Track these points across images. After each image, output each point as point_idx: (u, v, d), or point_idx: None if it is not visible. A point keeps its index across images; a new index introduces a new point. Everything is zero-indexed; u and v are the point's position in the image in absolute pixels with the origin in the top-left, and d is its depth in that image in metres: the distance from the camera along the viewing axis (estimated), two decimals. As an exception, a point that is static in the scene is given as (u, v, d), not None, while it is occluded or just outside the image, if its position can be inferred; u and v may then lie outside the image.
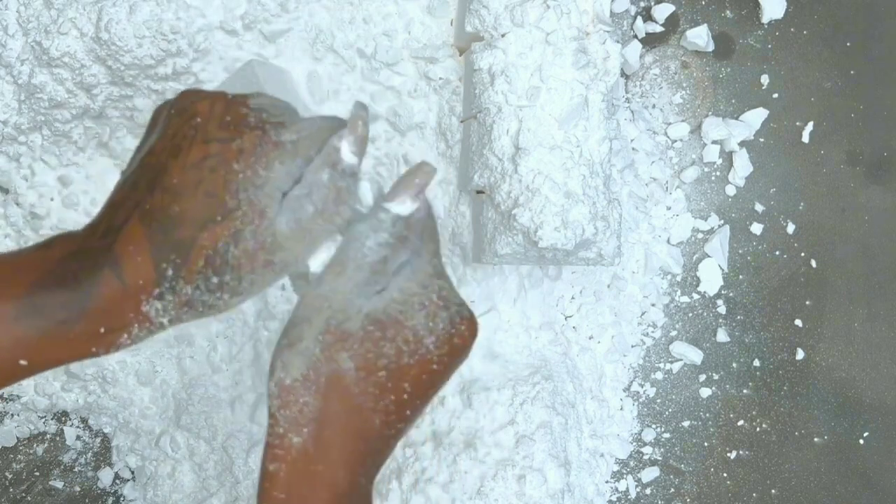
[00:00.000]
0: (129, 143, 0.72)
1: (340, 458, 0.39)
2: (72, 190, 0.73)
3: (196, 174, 0.40)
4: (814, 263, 0.79)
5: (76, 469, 0.79)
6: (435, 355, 0.41)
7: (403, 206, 0.42)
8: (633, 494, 0.79)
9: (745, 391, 0.79)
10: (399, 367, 0.40)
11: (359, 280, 0.41)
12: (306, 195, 0.42)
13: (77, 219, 0.73)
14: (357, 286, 0.41)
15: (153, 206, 0.40)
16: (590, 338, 0.78)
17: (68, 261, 0.40)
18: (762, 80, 0.79)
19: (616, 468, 0.79)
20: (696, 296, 0.80)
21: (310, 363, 0.39)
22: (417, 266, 0.42)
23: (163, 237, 0.40)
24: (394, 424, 0.40)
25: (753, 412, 0.79)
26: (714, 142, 0.79)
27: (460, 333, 0.42)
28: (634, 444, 0.79)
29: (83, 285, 0.40)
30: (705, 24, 0.78)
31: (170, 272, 0.40)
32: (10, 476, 0.78)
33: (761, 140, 0.79)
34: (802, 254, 0.79)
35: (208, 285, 0.40)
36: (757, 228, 0.79)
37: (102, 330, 0.39)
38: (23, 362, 0.39)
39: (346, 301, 0.40)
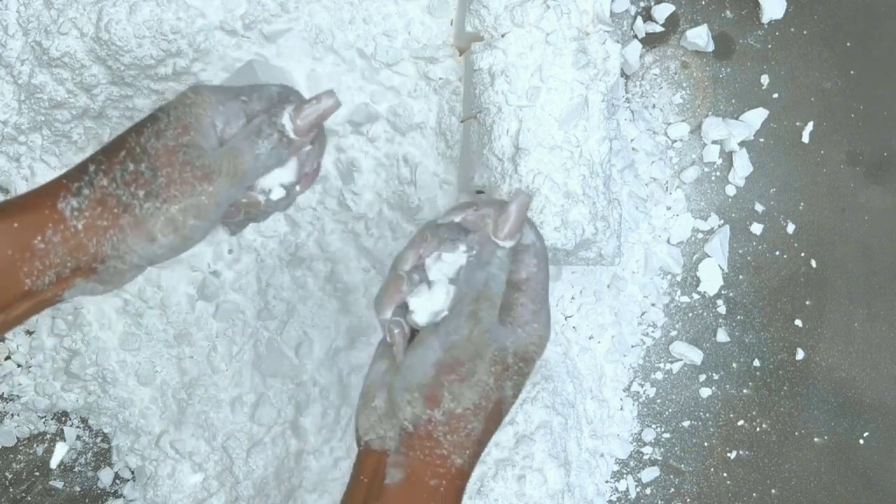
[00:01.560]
0: (129, 143, 0.72)
1: (466, 464, 0.44)
2: (72, 190, 0.73)
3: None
4: (814, 263, 0.79)
5: (76, 469, 0.79)
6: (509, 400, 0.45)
7: (508, 241, 0.45)
8: (633, 494, 0.79)
9: (745, 391, 0.79)
10: (517, 396, 0.45)
11: (497, 307, 0.44)
12: (240, 132, 0.46)
13: (77, 219, 0.73)
14: (494, 317, 0.44)
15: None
16: (590, 338, 0.78)
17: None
18: (762, 80, 0.79)
19: (616, 468, 0.79)
20: (696, 296, 0.80)
21: (482, 393, 0.42)
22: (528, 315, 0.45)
23: (93, 155, 0.43)
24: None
25: (753, 412, 0.79)
26: (714, 142, 0.79)
27: (525, 373, 0.46)
28: (634, 444, 0.79)
29: (12, 198, 0.42)
30: (705, 24, 0.78)
31: (92, 168, 0.42)
32: (10, 476, 0.78)
33: (761, 140, 0.79)
34: (802, 254, 0.79)
35: (124, 176, 0.42)
36: (757, 228, 0.79)
37: (16, 224, 0.40)
38: None
39: (498, 333, 0.43)
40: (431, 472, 0.43)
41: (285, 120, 0.46)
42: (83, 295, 0.45)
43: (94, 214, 0.41)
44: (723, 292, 0.79)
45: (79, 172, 0.42)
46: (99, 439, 0.79)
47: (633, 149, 0.78)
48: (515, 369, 0.44)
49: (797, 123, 0.79)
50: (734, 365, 0.79)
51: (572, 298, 0.77)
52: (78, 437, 0.78)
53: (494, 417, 0.44)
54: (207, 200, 0.43)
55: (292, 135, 0.47)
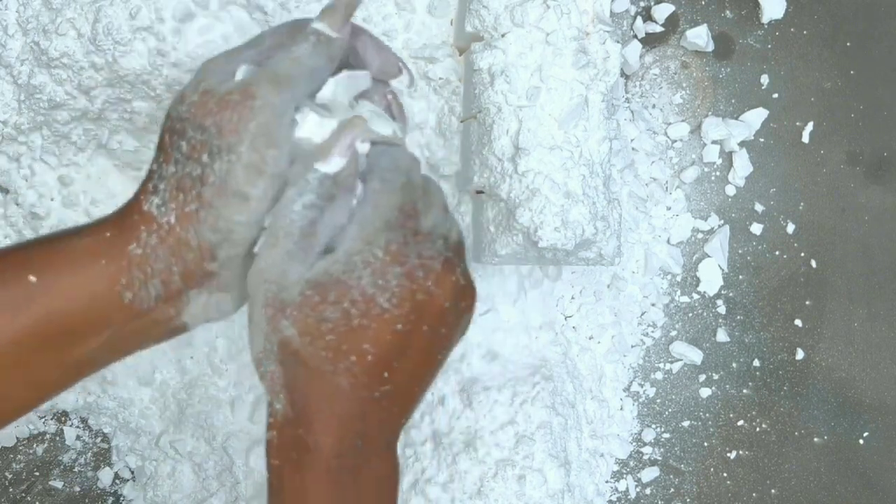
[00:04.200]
0: (128, 145, 0.72)
1: (317, 421, 0.39)
2: (72, 190, 0.73)
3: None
4: (814, 263, 0.79)
5: (76, 469, 0.79)
6: (395, 314, 0.39)
7: (329, 165, 0.39)
8: (633, 494, 0.79)
9: (745, 391, 0.79)
10: (351, 329, 0.38)
11: (289, 248, 0.39)
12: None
13: (77, 219, 0.73)
14: (288, 254, 0.39)
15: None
16: (590, 338, 0.78)
17: None
18: (762, 80, 0.79)
19: (616, 468, 0.79)
20: (696, 296, 0.80)
21: (263, 336, 0.39)
22: (363, 222, 0.40)
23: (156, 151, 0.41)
24: (370, 386, 0.39)
25: (753, 412, 0.79)
26: (714, 142, 0.79)
27: (424, 289, 0.39)
28: (634, 444, 0.79)
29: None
30: (705, 24, 0.78)
31: (154, 166, 0.40)
32: (10, 476, 0.78)
33: (761, 140, 0.79)
34: (802, 254, 0.79)
35: (182, 152, 0.39)
36: (757, 228, 0.79)
37: (108, 234, 0.38)
38: (32, 278, 0.37)
39: (280, 272, 0.38)
40: (267, 424, 0.40)
41: (316, 24, 0.42)
42: (208, 317, 0.41)
43: (178, 203, 0.38)
44: (723, 292, 0.79)
45: (147, 177, 0.40)
46: (99, 439, 0.79)
47: (633, 149, 0.78)
48: (297, 305, 0.38)
49: (797, 123, 0.79)
50: (734, 365, 0.79)
51: (572, 298, 0.77)
52: (78, 437, 0.78)
53: (292, 364, 0.39)
54: (263, 117, 0.38)
55: (330, 31, 0.42)
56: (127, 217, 0.39)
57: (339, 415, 0.39)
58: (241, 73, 0.41)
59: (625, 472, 0.79)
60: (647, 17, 0.79)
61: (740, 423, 0.79)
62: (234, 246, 0.39)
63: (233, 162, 0.38)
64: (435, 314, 0.40)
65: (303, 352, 0.38)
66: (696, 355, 0.79)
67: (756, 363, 0.79)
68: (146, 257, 0.38)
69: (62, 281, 0.38)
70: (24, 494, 0.78)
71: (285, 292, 0.38)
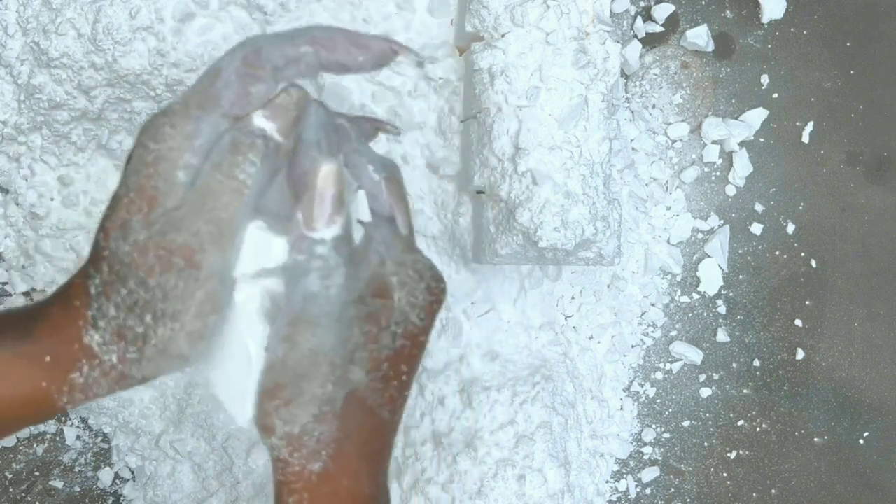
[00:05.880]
0: (128, 145, 0.72)
1: (362, 465, 0.39)
2: (72, 190, 0.73)
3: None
4: (814, 263, 0.79)
5: (76, 469, 0.79)
6: (419, 327, 0.39)
7: (328, 231, 0.37)
8: (633, 494, 0.79)
9: (745, 391, 0.79)
10: (396, 353, 0.39)
11: (331, 327, 0.37)
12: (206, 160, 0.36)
13: (77, 219, 0.73)
14: (335, 332, 0.37)
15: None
16: (590, 338, 0.78)
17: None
18: (762, 80, 0.79)
19: (616, 468, 0.79)
20: (696, 296, 0.80)
21: (321, 402, 0.37)
22: (388, 250, 0.39)
23: (91, 249, 0.37)
24: (398, 409, 0.40)
25: (753, 412, 0.79)
26: (714, 142, 0.79)
27: (438, 298, 0.40)
28: (634, 444, 0.79)
29: (38, 310, 0.38)
30: (705, 24, 0.78)
31: (92, 290, 0.36)
32: (10, 476, 0.78)
33: (761, 140, 0.79)
34: (802, 254, 0.79)
35: (123, 300, 0.36)
36: (757, 228, 0.79)
37: (48, 358, 0.37)
38: None
39: (334, 346, 0.37)
40: (288, 489, 0.38)
41: (259, 122, 0.36)
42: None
43: (120, 349, 0.36)
44: (723, 292, 0.79)
45: (85, 294, 0.37)
46: (99, 439, 0.79)
47: (633, 149, 0.78)
48: (362, 340, 0.37)
49: (797, 123, 0.79)
50: (734, 365, 0.79)
51: (572, 298, 0.77)
52: (78, 437, 0.78)
53: (353, 408, 0.38)
54: (210, 286, 0.36)
55: (277, 136, 0.37)
56: (66, 343, 0.37)
57: (379, 450, 0.39)
58: (183, 175, 0.36)
59: (625, 472, 0.79)
60: (647, 17, 0.79)
61: (740, 423, 0.79)
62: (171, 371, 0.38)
63: (176, 330, 0.36)
64: (437, 314, 0.41)
65: (365, 392, 0.38)
66: (696, 355, 0.79)
67: (756, 363, 0.79)
68: (88, 385, 0.37)
69: (1, 395, 0.37)
70: (24, 494, 0.78)
71: (344, 350, 0.37)
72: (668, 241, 0.79)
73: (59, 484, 0.78)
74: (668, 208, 0.79)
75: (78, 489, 0.79)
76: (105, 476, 0.78)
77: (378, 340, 0.38)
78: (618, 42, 0.64)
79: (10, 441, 0.77)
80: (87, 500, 0.79)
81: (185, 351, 0.36)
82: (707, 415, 0.80)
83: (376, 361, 0.38)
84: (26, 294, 0.77)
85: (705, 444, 0.80)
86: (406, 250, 0.40)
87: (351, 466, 0.38)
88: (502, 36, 0.63)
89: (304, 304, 0.37)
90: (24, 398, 0.37)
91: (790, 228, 0.79)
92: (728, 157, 0.79)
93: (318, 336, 0.37)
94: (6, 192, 0.74)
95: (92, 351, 0.37)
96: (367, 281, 0.38)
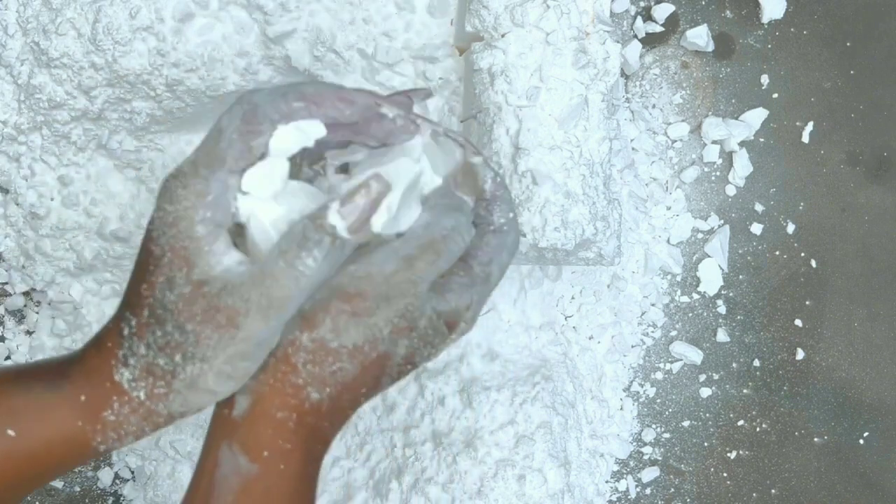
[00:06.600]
0: (128, 145, 0.72)
1: (341, 420, 0.40)
2: (72, 190, 0.73)
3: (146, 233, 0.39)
4: (814, 263, 0.79)
5: (76, 469, 0.79)
6: (426, 361, 0.42)
7: (469, 200, 0.43)
8: (633, 494, 0.79)
9: (745, 391, 0.79)
10: (416, 366, 0.41)
11: (440, 269, 0.40)
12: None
13: (77, 219, 0.73)
14: (433, 275, 0.40)
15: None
16: (590, 338, 0.78)
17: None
18: (762, 80, 0.79)
19: (616, 468, 0.79)
20: (696, 296, 0.80)
21: (370, 338, 0.38)
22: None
23: (122, 299, 0.40)
24: (368, 398, 0.41)
25: (753, 412, 0.79)
26: (714, 142, 0.79)
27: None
28: (634, 444, 0.79)
29: (73, 356, 0.40)
30: (705, 24, 0.78)
31: (126, 331, 0.39)
32: (10, 476, 0.78)
33: (761, 140, 0.79)
34: (802, 254, 0.79)
35: (156, 340, 0.38)
36: (757, 228, 0.79)
37: (83, 398, 0.39)
38: (10, 432, 0.39)
39: (424, 293, 0.39)
40: (280, 401, 0.38)
41: (333, 218, 0.37)
42: None
43: (149, 384, 0.38)
44: (723, 292, 0.79)
45: (118, 335, 0.39)
46: (99, 439, 0.79)
47: (633, 149, 0.78)
48: (421, 334, 0.39)
49: (797, 123, 0.79)
50: (734, 365, 0.79)
51: (572, 298, 0.77)
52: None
53: (372, 371, 0.39)
54: (245, 347, 0.37)
55: (346, 234, 0.37)
56: (98, 382, 0.39)
57: (350, 416, 0.41)
58: (242, 208, 0.39)
59: (625, 472, 0.79)
60: (647, 17, 0.79)
61: (740, 423, 0.79)
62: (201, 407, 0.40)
63: (204, 371, 0.38)
64: None
65: (390, 371, 0.40)
66: (696, 355, 0.79)
67: (756, 363, 0.79)
68: (119, 423, 0.39)
69: (41, 438, 0.39)
70: (24, 494, 0.78)
71: (421, 318, 0.39)
72: (668, 241, 0.79)
73: (59, 484, 0.78)
74: (668, 208, 0.79)
75: (78, 489, 0.79)
76: (105, 476, 0.78)
77: (425, 349, 0.40)
78: (618, 42, 0.64)
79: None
80: (87, 500, 0.79)
81: (212, 387, 0.38)
82: (707, 415, 0.80)
83: (412, 358, 0.40)
84: (26, 294, 0.77)
85: (705, 444, 0.80)
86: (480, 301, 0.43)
87: (336, 417, 0.40)
88: (502, 36, 0.63)
89: (448, 233, 0.40)
90: (62, 438, 0.39)
91: (790, 228, 0.79)
92: (728, 157, 0.79)
93: (432, 269, 0.39)
94: (6, 192, 0.74)
95: (122, 388, 0.38)
96: (451, 308, 0.41)
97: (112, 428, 0.39)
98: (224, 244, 0.38)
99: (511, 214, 0.44)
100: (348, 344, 0.38)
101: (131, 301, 0.39)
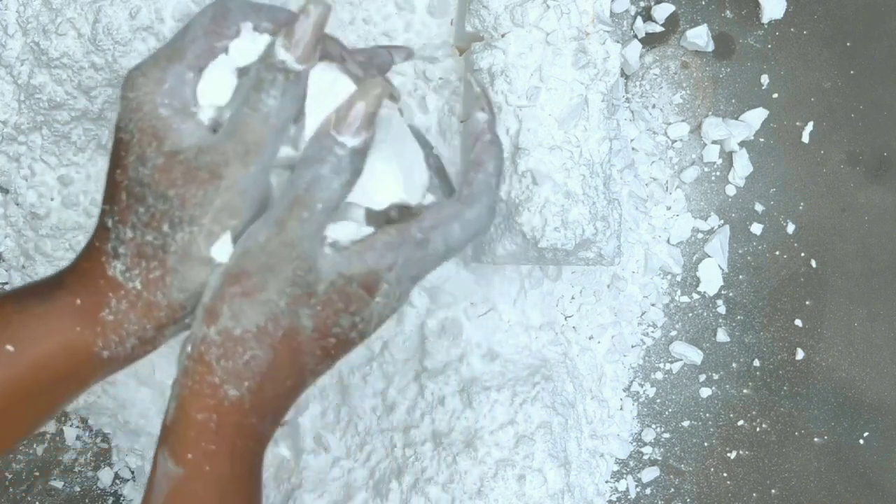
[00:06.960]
0: (129, 143, 0.72)
1: (272, 413, 0.39)
2: (72, 190, 0.73)
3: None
4: (814, 263, 0.79)
5: (76, 469, 0.79)
6: (368, 334, 0.40)
7: (350, 140, 0.38)
8: (633, 494, 0.79)
9: (745, 391, 0.79)
10: (346, 339, 0.39)
11: (322, 222, 0.38)
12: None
13: (77, 219, 0.73)
14: (319, 228, 0.38)
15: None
16: (590, 338, 0.78)
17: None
18: (762, 80, 0.79)
19: (616, 468, 0.79)
20: (696, 296, 0.80)
21: (270, 315, 0.37)
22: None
23: (102, 196, 0.40)
24: (313, 383, 0.41)
25: (753, 412, 0.79)
26: (714, 142, 0.79)
27: (396, 311, 0.42)
28: (634, 444, 0.79)
29: (68, 267, 0.40)
30: (705, 24, 0.78)
31: (110, 223, 0.38)
32: (10, 476, 0.78)
33: (761, 140, 0.79)
34: (802, 254, 0.79)
35: (140, 218, 0.37)
36: (757, 228, 0.79)
37: (78, 301, 0.38)
38: (9, 347, 0.38)
39: (311, 250, 0.37)
40: (199, 403, 0.37)
41: (280, 53, 0.38)
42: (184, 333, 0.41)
43: (142, 269, 0.38)
44: (723, 292, 0.79)
45: (103, 230, 0.39)
46: (99, 439, 0.79)
47: (633, 149, 0.78)
48: (324, 300, 0.37)
49: (797, 123, 0.79)
50: (734, 365, 0.79)
51: (572, 298, 0.77)
52: (78, 437, 0.78)
53: (285, 353, 0.38)
54: (230, 196, 0.37)
55: (297, 65, 0.38)
56: (92, 281, 0.39)
57: (288, 409, 0.40)
58: (207, 112, 0.39)
59: (625, 472, 0.79)
60: (647, 17, 0.79)
61: (740, 423, 0.79)
62: (201, 297, 0.39)
63: (195, 233, 0.37)
64: None
65: (304, 346, 0.38)
66: (696, 355, 0.79)
67: (756, 363, 0.79)
68: (119, 322, 0.38)
69: (40, 348, 0.38)
70: (24, 494, 0.78)
71: (317, 282, 0.37)
72: (668, 241, 0.79)
73: (59, 484, 0.78)
74: (668, 208, 0.79)
75: (78, 489, 0.79)
76: (105, 476, 0.78)
77: (337, 315, 0.38)
78: (618, 42, 0.64)
79: (10, 441, 0.77)
80: (87, 500, 0.79)
81: (205, 252, 0.37)
82: (707, 415, 0.80)
83: (325, 327, 0.38)
84: (26, 294, 0.78)
85: (705, 444, 0.80)
86: (429, 266, 0.41)
87: (263, 409, 0.38)
88: (502, 36, 0.63)
89: (309, 186, 0.38)
90: (62, 346, 0.38)
91: (790, 228, 0.79)
92: (728, 157, 0.79)
93: (307, 226, 0.37)
94: (6, 192, 0.74)
95: (116, 282, 0.38)
96: (364, 268, 0.38)
97: (112, 329, 0.38)
98: (194, 125, 0.38)
99: (482, 186, 0.43)
100: (251, 327, 0.37)
101: (109, 192, 0.39)
